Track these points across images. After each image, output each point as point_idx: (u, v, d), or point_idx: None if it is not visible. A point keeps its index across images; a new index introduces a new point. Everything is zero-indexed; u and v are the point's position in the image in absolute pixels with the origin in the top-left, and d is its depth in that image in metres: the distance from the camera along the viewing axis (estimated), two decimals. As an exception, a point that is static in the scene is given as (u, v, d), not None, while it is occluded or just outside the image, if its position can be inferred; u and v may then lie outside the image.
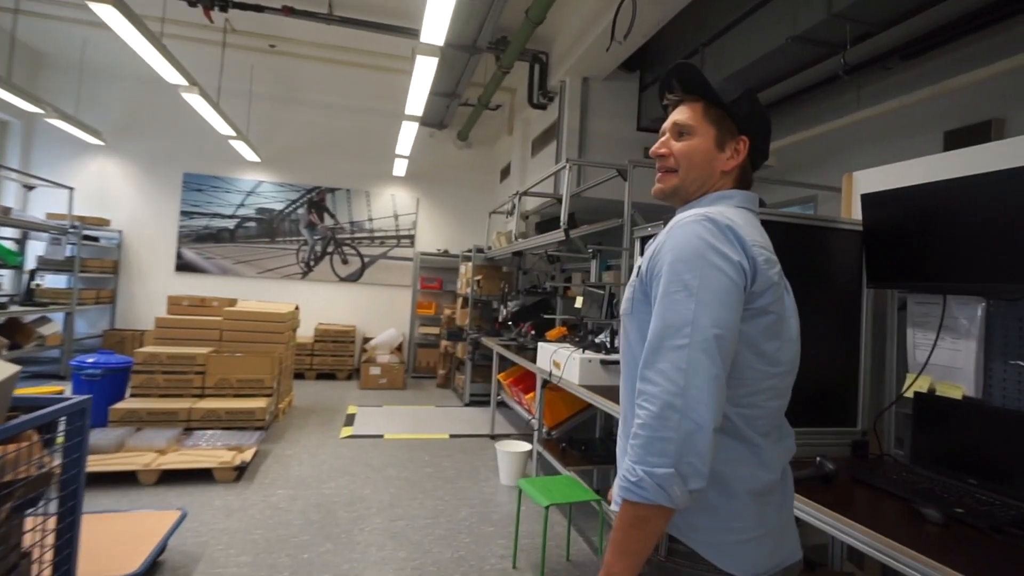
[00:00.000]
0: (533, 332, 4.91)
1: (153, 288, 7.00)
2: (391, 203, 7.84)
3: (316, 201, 7.55)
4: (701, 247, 0.87)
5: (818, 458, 1.74)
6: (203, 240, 7.15)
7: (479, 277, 6.02)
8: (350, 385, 6.76)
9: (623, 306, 1.03)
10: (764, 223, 1.06)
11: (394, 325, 7.72)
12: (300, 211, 7.49)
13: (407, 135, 6.01)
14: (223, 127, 5.85)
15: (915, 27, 3.41)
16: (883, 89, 4.00)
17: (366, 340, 7.50)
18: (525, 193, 4.92)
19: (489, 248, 6.00)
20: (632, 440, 0.83)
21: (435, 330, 7.62)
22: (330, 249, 7.60)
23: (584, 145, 5.35)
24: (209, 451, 3.64)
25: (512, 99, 7.13)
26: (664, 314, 0.86)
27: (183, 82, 4.51)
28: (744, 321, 0.89)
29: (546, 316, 4.95)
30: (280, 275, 7.40)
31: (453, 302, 7.72)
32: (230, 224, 7.24)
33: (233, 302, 5.42)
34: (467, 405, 5.91)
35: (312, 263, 7.52)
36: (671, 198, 1.07)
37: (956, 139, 3.61)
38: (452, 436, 4.76)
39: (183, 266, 7.09)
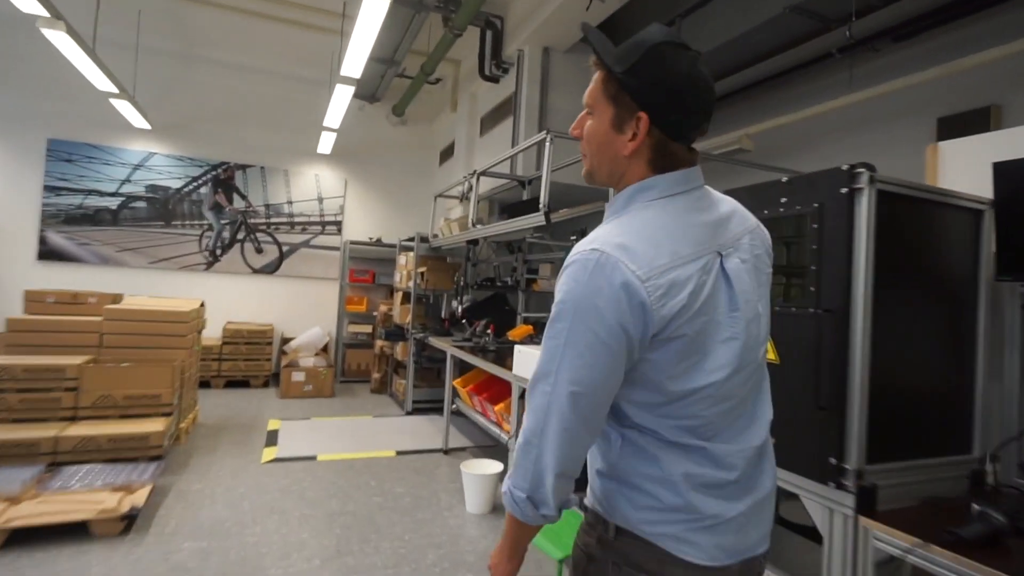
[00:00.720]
0: (492, 331, 4.34)
1: (6, 281, 5.68)
2: (314, 184, 6.93)
3: (223, 179, 6.50)
4: (578, 295, 0.83)
5: (975, 506, 1.32)
6: (76, 222, 5.90)
7: (423, 269, 5.34)
8: (268, 394, 5.85)
9: None
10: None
11: (319, 323, 6.84)
12: (203, 190, 6.42)
13: (339, 103, 5.20)
14: (102, 81, 4.75)
15: (911, 7, 3.18)
16: (873, 71, 3.79)
17: (286, 341, 6.58)
18: (484, 173, 4.32)
19: (435, 236, 5.34)
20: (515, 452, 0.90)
21: (367, 328, 6.83)
22: (241, 236, 6.58)
23: (544, 123, 4.82)
24: (84, 495, 2.76)
25: (457, 72, 6.48)
26: (541, 355, 0.87)
27: (43, 11, 3.48)
28: (649, 351, 0.84)
29: (508, 310, 4.39)
30: (178, 266, 6.30)
31: (388, 297, 6.96)
32: (112, 203, 6.04)
33: (117, 298, 4.41)
34: (409, 414, 5.23)
35: (219, 252, 6.48)
36: (593, 183, 1.00)
37: (952, 126, 3.44)
38: (399, 453, 4.09)
39: (48, 254, 5.82)
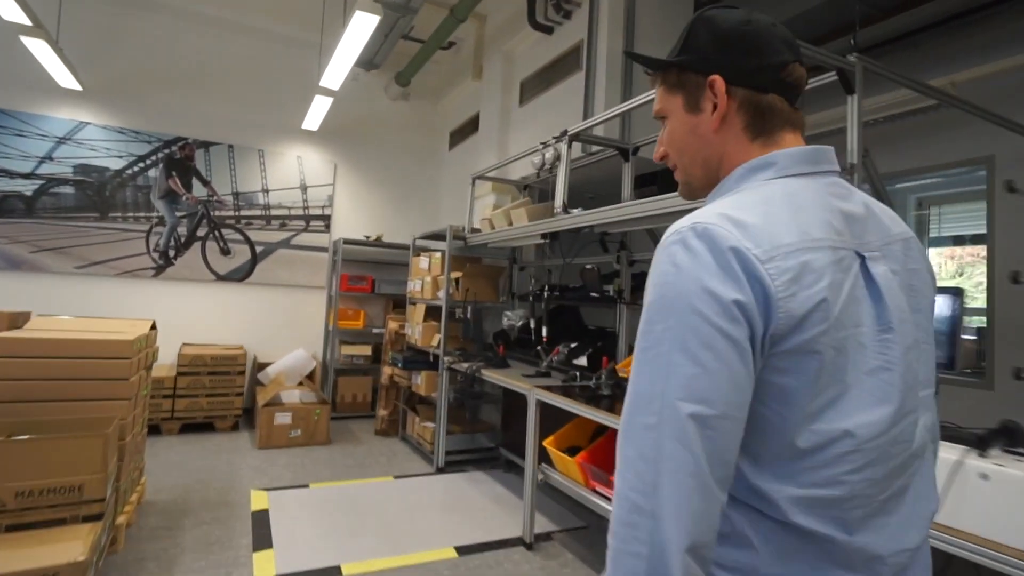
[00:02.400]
0: (584, 363, 3.13)
1: None
2: (296, 169, 5.59)
3: (179, 160, 5.09)
4: (679, 282, 0.61)
5: None
6: (-25, 212, 4.41)
7: (458, 275, 4.09)
8: (240, 441, 4.47)
9: None
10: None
11: (302, 343, 5.48)
12: (153, 173, 4.99)
13: (342, 60, 3.94)
14: (9, 8, 3.36)
15: None
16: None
17: (260, 367, 5.20)
18: (579, 138, 3.11)
19: (474, 231, 4.10)
20: (608, 547, 0.61)
21: (366, 350, 5.50)
22: (202, 232, 5.18)
23: (630, 79, 3.68)
24: None
25: (480, 30, 5.27)
26: (634, 379, 0.63)
27: None
28: (769, 371, 0.61)
29: (593, 331, 3.20)
30: (117, 271, 4.85)
31: (393, 310, 5.66)
32: (26, 188, 4.56)
33: (20, 318, 3.02)
34: (442, 470, 3.96)
35: (172, 253, 5.05)
36: (696, 195, 0.82)
37: None
38: (461, 551, 2.82)
39: (-66, 254, 4.30)
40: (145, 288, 4.96)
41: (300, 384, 5.18)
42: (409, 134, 6.19)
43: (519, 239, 3.46)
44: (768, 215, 0.65)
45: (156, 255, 4.99)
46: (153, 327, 3.22)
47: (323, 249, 5.68)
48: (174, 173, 5.07)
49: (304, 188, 5.63)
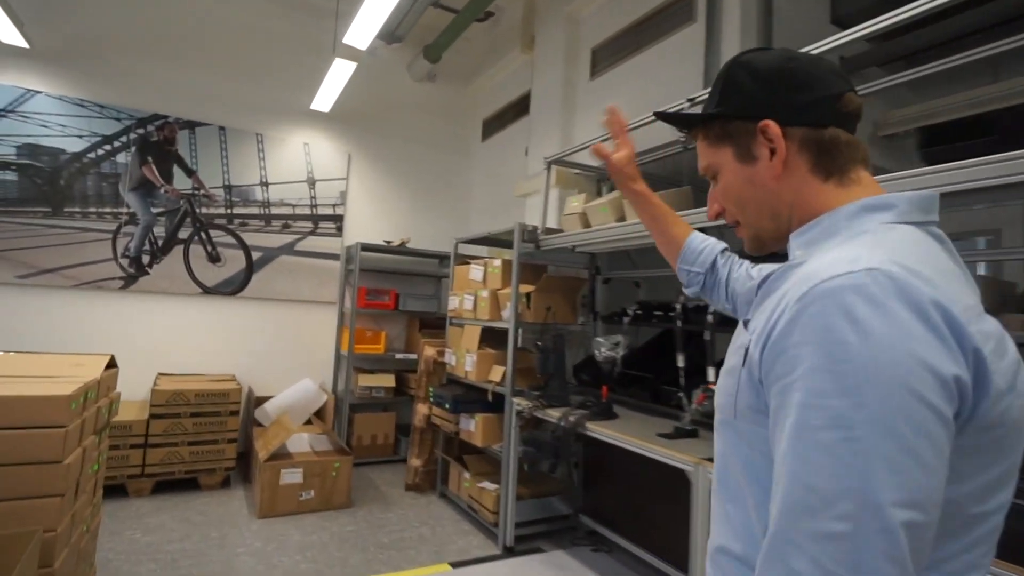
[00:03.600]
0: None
1: None
2: (303, 159, 4.56)
3: (157, 142, 4.04)
4: (875, 347, 0.47)
5: None
6: None
7: (529, 289, 3.09)
8: (233, 504, 3.39)
9: (719, 404, 0.68)
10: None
11: (310, 372, 4.42)
12: (122, 158, 3.93)
13: (374, 10, 2.98)
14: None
15: None
16: None
17: (259, 402, 4.13)
18: None
19: (551, 233, 3.11)
20: None
21: (386, 380, 4.45)
22: (184, 234, 4.12)
23: (770, 26, 2.76)
24: None
25: (531, -9, 4.34)
26: (802, 470, 0.47)
27: None
28: (958, 453, 0.49)
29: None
30: (75, 282, 3.76)
31: (411, 330, 4.64)
32: (-47, 172, 3.48)
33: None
34: (511, 551, 2.93)
35: (147, 259, 3.98)
36: (767, 249, 0.74)
37: None
38: None
39: None
40: (111, 304, 3.87)
41: (308, 423, 4.12)
42: (435, 121, 5.21)
43: (631, 239, 2.50)
44: (935, 266, 0.53)
45: (126, 262, 3.92)
46: (111, 364, 2.17)
47: (334, 256, 4.64)
48: (150, 159, 4.02)
49: (312, 182, 4.60)
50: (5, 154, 3.60)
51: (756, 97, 0.68)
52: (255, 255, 4.34)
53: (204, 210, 4.18)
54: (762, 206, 0.71)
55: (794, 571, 0.46)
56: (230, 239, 4.26)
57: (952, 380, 0.46)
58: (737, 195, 0.73)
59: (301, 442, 3.63)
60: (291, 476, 3.27)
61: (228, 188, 4.28)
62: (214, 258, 4.20)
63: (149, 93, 4.03)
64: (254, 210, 4.37)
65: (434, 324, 4.73)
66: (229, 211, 4.27)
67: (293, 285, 4.47)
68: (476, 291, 3.44)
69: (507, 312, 3.08)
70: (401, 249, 4.56)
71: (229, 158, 4.28)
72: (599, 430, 2.38)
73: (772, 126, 0.66)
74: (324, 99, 4.30)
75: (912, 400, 0.45)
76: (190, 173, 4.14)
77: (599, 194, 3.53)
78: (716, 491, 0.69)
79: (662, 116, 0.81)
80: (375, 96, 4.85)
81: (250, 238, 4.33)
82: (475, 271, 3.51)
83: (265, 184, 4.41)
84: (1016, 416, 0.52)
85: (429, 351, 3.82)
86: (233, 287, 4.25)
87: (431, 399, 3.61)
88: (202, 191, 4.18)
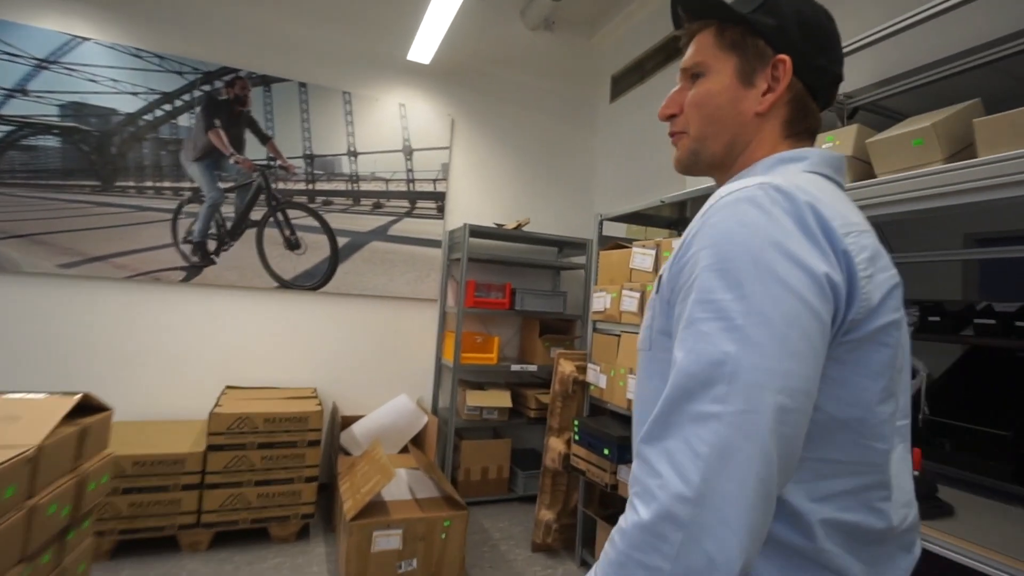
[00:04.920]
0: None
1: None
2: (398, 123, 3.63)
3: (226, 102, 3.22)
4: (754, 241, 0.50)
5: None
6: (-97, 175, 2.65)
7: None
8: (313, 566, 2.45)
9: (640, 339, 0.67)
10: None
11: (404, 386, 3.47)
12: (185, 121, 3.14)
13: None
14: None
15: None
16: None
17: (344, 423, 3.20)
18: None
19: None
20: (606, 547, 0.50)
21: (501, 399, 3.41)
22: (258, 214, 3.28)
23: None
24: None
25: None
26: (686, 358, 0.49)
27: None
28: (833, 365, 0.51)
29: None
30: (129, 272, 2.98)
31: (531, 332, 3.57)
32: (-14, 137, 2.79)
33: None
34: None
35: (212, 245, 3.17)
36: (695, 170, 0.70)
37: None
38: None
39: None
40: (170, 299, 3.07)
41: (404, 450, 3.15)
42: (553, 78, 4.13)
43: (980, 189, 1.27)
44: (825, 193, 0.56)
45: (188, 248, 3.11)
46: (93, 408, 1.24)
47: (434, 243, 3.68)
48: (217, 122, 3.20)
49: (409, 152, 3.65)
50: (46, 115, 2.87)
51: (790, 31, 0.64)
52: (341, 241, 3.44)
53: (281, 185, 3.32)
54: (725, 130, 0.66)
55: (667, 450, 0.47)
56: (311, 221, 3.38)
57: (823, 277, 0.49)
58: (713, 109, 0.66)
59: (398, 483, 2.65)
60: (387, 541, 2.27)
61: (309, 158, 3.40)
62: (293, 244, 3.33)
63: (217, 41, 3.21)
64: (340, 185, 3.47)
65: (556, 328, 3.65)
66: (311, 187, 3.39)
67: (386, 278, 3.53)
68: (644, 285, 2.31)
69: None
70: (517, 234, 3.51)
71: (311, 122, 3.40)
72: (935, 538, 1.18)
73: (788, 65, 0.63)
74: (424, 47, 3.34)
75: (785, 294, 0.47)
76: (265, 140, 3.29)
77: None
78: (635, 421, 0.66)
79: None
80: (483, 49, 3.84)
81: (335, 220, 3.43)
82: (640, 257, 2.38)
83: (354, 154, 3.51)
84: (898, 339, 0.53)
85: (567, 367, 2.72)
86: (315, 280, 3.36)
87: (575, 437, 2.51)
88: (279, 162, 3.32)
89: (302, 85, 3.38)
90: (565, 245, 3.83)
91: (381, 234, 3.55)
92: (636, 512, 0.47)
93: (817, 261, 0.49)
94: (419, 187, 3.66)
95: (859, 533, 0.52)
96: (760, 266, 0.48)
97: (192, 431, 2.75)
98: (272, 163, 3.29)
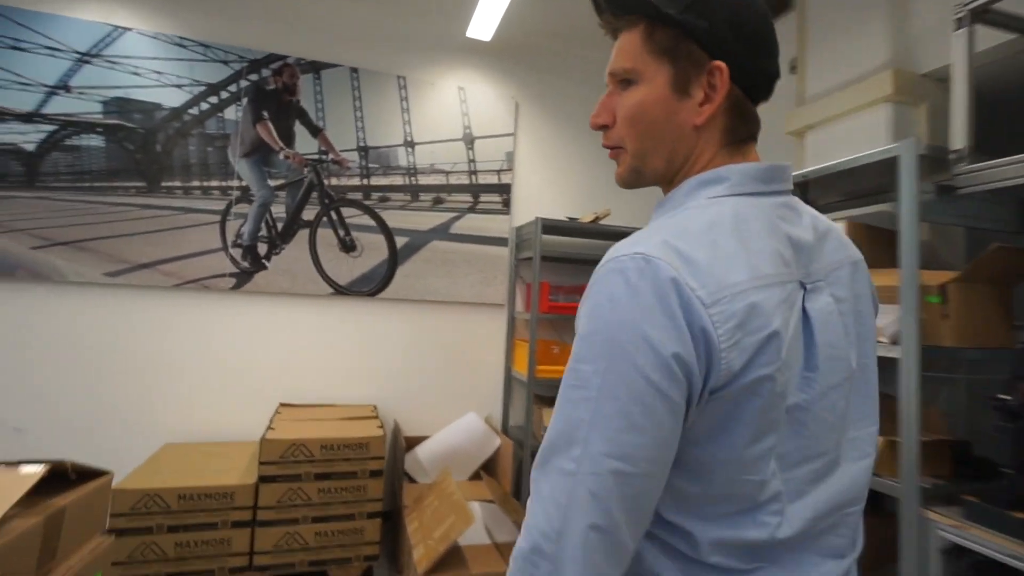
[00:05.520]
0: None
1: None
2: (457, 108, 3.24)
3: (274, 92, 2.92)
4: (615, 320, 0.52)
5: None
6: (-56, 182, 2.46)
7: (946, 279, 1.43)
8: (373, 623, 2.11)
9: None
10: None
11: (472, 403, 3.10)
12: (232, 114, 2.86)
13: None
14: None
15: None
16: None
17: (409, 445, 2.86)
18: None
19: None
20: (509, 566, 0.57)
21: (580, 418, 2.99)
22: (310, 214, 2.96)
23: None
24: None
25: None
26: (557, 416, 0.55)
27: None
28: (708, 416, 0.54)
29: None
30: (176, 280, 2.73)
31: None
32: (27, 138, 2.56)
33: None
34: None
35: (263, 249, 2.88)
36: (639, 185, 0.68)
37: None
38: None
39: None
40: (219, 308, 2.80)
41: (475, 476, 2.78)
42: (628, 51, 3.64)
43: None
44: (716, 247, 0.54)
45: (238, 252, 2.83)
46: (73, 472, 0.88)
47: (500, 241, 3.28)
48: (265, 114, 2.90)
49: (470, 140, 3.26)
50: (89, 112, 2.64)
51: (724, 34, 0.59)
52: (399, 241, 3.09)
53: (334, 181, 3.00)
54: (663, 145, 0.63)
55: (541, 494, 0.53)
56: (367, 220, 3.05)
57: (671, 357, 0.51)
58: (648, 123, 0.62)
59: (477, 534, 2.26)
60: (464, 600, 1.89)
61: (364, 151, 3.06)
62: (348, 246, 3.01)
63: (263, 26, 2.91)
64: (396, 180, 3.12)
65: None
66: (365, 182, 3.06)
67: (449, 281, 3.16)
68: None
69: (890, 321, 1.44)
70: (594, 228, 3.07)
71: (364, 111, 3.06)
72: None
73: (725, 72, 0.59)
74: (484, 23, 2.94)
75: (633, 372, 0.51)
76: (316, 132, 2.97)
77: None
78: None
79: None
80: (549, 23, 3.39)
81: (392, 218, 3.09)
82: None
83: (411, 145, 3.15)
84: (780, 392, 0.54)
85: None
86: (372, 285, 3.03)
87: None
88: (331, 156, 3.00)
89: (353, 71, 3.04)
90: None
91: (442, 232, 3.18)
92: (521, 541, 0.54)
93: (669, 342, 0.51)
94: (482, 179, 3.26)
95: (744, 546, 0.56)
96: (615, 345, 0.51)
97: (243, 456, 2.46)
98: (324, 157, 2.97)
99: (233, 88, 2.84)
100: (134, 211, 2.69)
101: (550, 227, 2.96)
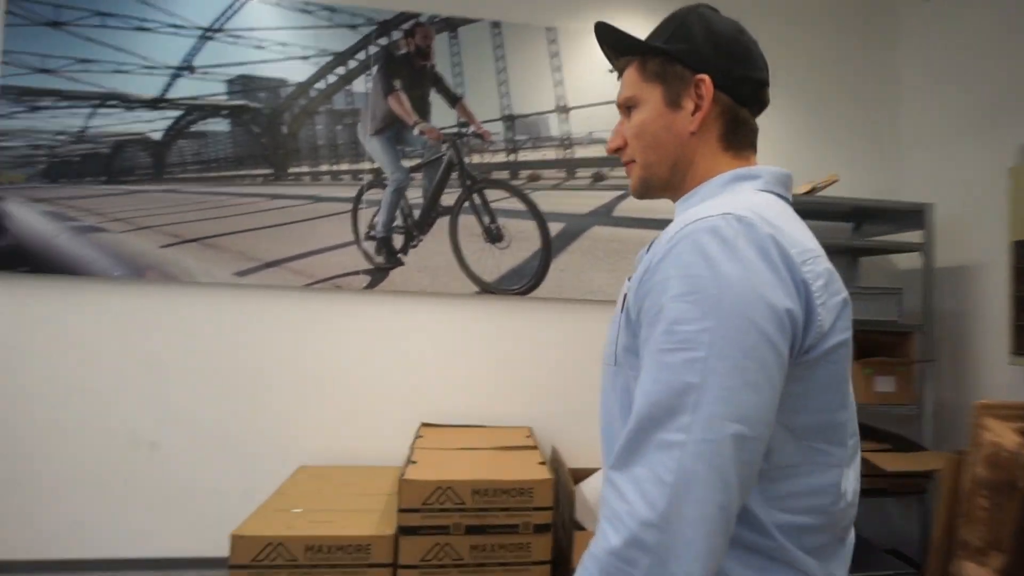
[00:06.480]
0: None
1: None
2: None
3: (406, 56, 2.45)
4: (721, 276, 0.51)
5: None
6: (71, 175, 2.26)
7: None
8: None
9: (605, 355, 0.70)
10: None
11: (649, 431, 2.40)
12: (360, 86, 2.42)
13: None
14: None
15: None
16: None
17: (576, 478, 2.23)
18: None
19: None
20: (578, 571, 0.52)
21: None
22: (447, 199, 2.46)
23: None
24: None
25: None
26: (652, 387, 0.51)
27: None
28: (795, 381, 0.53)
29: None
30: (306, 280, 2.34)
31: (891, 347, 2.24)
32: (153, 126, 2.31)
33: None
34: None
35: (399, 241, 2.41)
36: (650, 194, 0.73)
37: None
38: None
39: (6, 255, 2.23)
40: (352, 311, 2.37)
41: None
42: (843, -33, 2.73)
43: None
44: (783, 219, 0.58)
45: (371, 246, 2.39)
46: None
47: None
48: (397, 84, 2.43)
49: (635, 98, 2.57)
50: (213, 94, 2.33)
51: (704, 51, 0.66)
52: (553, 228, 2.49)
53: (476, 158, 2.47)
54: (667, 154, 0.68)
55: (634, 477, 0.48)
56: (513, 203, 2.47)
57: (785, 312, 0.50)
58: (651, 137, 0.69)
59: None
60: None
61: (509, 120, 2.49)
62: (494, 235, 2.45)
63: (394, -19, 2.44)
64: (548, 154, 2.52)
65: (883, 346, 2.29)
66: (512, 158, 2.49)
67: (613, 276, 2.50)
68: None
69: None
70: (814, 203, 2.22)
71: (508, 72, 2.49)
72: None
73: (708, 83, 0.65)
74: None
75: (749, 327, 0.48)
76: (454, 101, 2.45)
77: None
78: (602, 435, 0.70)
79: (605, 30, 0.70)
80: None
81: (544, 200, 2.49)
82: None
83: (564, 110, 2.52)
84: (847, 355, 0.56)
85: (1005, 434, 1.40)
86: (523, 282, 2.45)
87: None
88: (472, 128, 2.46)
89: (495, 25, 2.48)
90: (869, 217, 2.45)
91: (604, 216, 2.52)
92: (606, 538, 0.49)
93: (779, 296, 0.50)
94: (653, 147, 2.55)
95: (809, 531, 0.55)
96: (724, 300, 0.49)
97: (383, 486, 1.99)
98: (464, 130, 2.45)
99: (361, 56, 2.40)
100: (261, 201, 2.35)
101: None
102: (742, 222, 0.53)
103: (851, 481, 0.59)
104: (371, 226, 2.38)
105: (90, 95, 2.25)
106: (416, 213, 2.41)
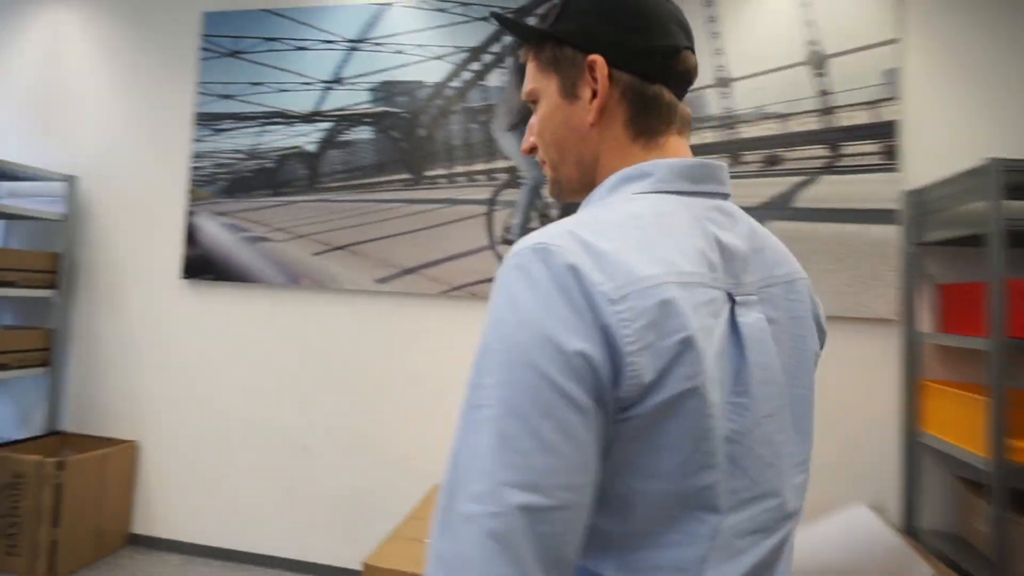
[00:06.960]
0: None
1: (136, 324, 2.55)
2: (793, 15, 2.06)
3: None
4: (516, 324, 0.43)
5: None
6: (244, 190, 2.46)
7: None
8: None
9: None
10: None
11: (839, 475, 1.88)
12: (495, 81, 2.28)
13: None
14: None
15: None
16: None
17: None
18: None
19: None
20: None
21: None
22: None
23: None
24: None
25: None
26: (456, 445, 0.44)
27: None
28: (625, 441, 0.44)
29: None
30: (442, 288, 2.27)
31: None
32: (307, 138, 2.41)
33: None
34: None
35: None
36: (565, 198, 0.64)
37: None
38: None
39: (197, 265, 2.49)
40: (481, 321, 2.26)
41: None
42: None
43: None
44: (627, 238, 0.46)
45: (506, 250, 2.24)
46: None
47: (881, 216, 1.98)
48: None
49: (820, 61, 2.05)
50: (359, 103, 2.36)
51: (592, 27, 0.55)
52: (711, 224, 2.09)
53: (619, 148, 2.17)
54: (569, 151, 0.59)
55: (439, 552, 0.42)
56: (665, 197, 2.13)
57: (575, 355, 0.41)
58: (551, 134, 0.59)
59: None
60: None
61: (658, 102, 2.15)
62: (638, 235, 2.14)
63: (530, -36, 2.26)
64: (707, 136, 2.12)
65: None
66: (661, 145, 2.14)
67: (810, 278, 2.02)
68: None
69: None
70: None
71: (658, 47, 2.15)
72: None
73: (601, 64, 0.54)
74: None
75: (536, 379, 0.41)
76: (595, 87, 2.19)
77: None
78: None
79: (501, 20, 0.61)
80: None
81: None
82: None
83: (725, 83, 2.11)
84: (707, 408, 0.44)
85: None
86: (673, 288, 2.10)
87: None
88: (615, 115, 2.18)
89: (644, -5, 2.15)
90: None
91: (781, 207, 2.04)
92: None
93: (568, 337, 0.41)
94: (845, 119, 2.01)
95: None
96: (514, 349, 0.41)
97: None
98: (606, 118, 2.17)
99: (496, 49, 2.25)
100: (400, 207, 2.32)
101: (1020, 182, 1.55)
102: (547, 252, 0.44)
103: (748, 558, 0.47)
104: (507, 228, 2.22)
105: (258, 115, 2.43)
106: (553, 213, 2.19)
